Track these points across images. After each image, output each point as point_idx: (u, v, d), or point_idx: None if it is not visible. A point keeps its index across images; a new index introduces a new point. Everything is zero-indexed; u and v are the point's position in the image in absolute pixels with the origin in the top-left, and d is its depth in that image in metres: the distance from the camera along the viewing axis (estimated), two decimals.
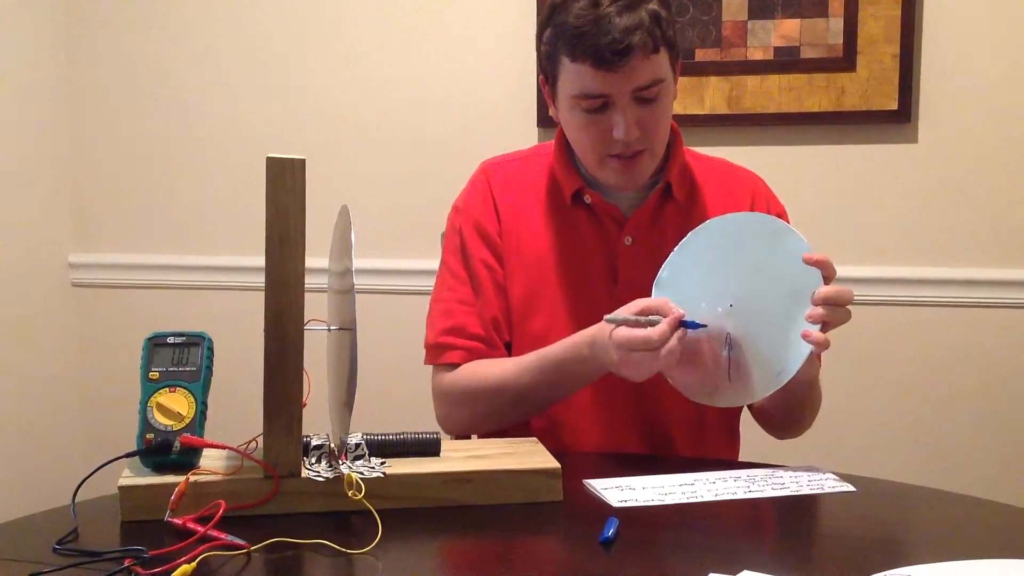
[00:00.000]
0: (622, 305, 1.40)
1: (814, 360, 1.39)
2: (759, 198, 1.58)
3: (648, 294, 1.42)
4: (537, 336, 1.51)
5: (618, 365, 1.35)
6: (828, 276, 1.33)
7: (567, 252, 1.54)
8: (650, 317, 1.33)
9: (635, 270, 1.50)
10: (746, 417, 1.61)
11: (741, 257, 1.39)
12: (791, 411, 1.52)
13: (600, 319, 1.41)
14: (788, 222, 1.57)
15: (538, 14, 2.24)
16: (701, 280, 1.39)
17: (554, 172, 1.57)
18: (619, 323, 1.34)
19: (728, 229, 1.41)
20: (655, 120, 1.46)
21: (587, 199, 1.54)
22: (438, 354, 1.55)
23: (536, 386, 1.46)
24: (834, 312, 1.31)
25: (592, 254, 1.54)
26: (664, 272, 1.43)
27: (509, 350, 1.56)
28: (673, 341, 1.31)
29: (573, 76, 1.44)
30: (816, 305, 1.31)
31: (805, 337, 1.30)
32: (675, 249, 1.44)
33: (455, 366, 1.53)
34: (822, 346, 1.31)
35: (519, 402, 1.48)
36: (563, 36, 1.43)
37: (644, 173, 1.50)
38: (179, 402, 1.20)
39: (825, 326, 1.31)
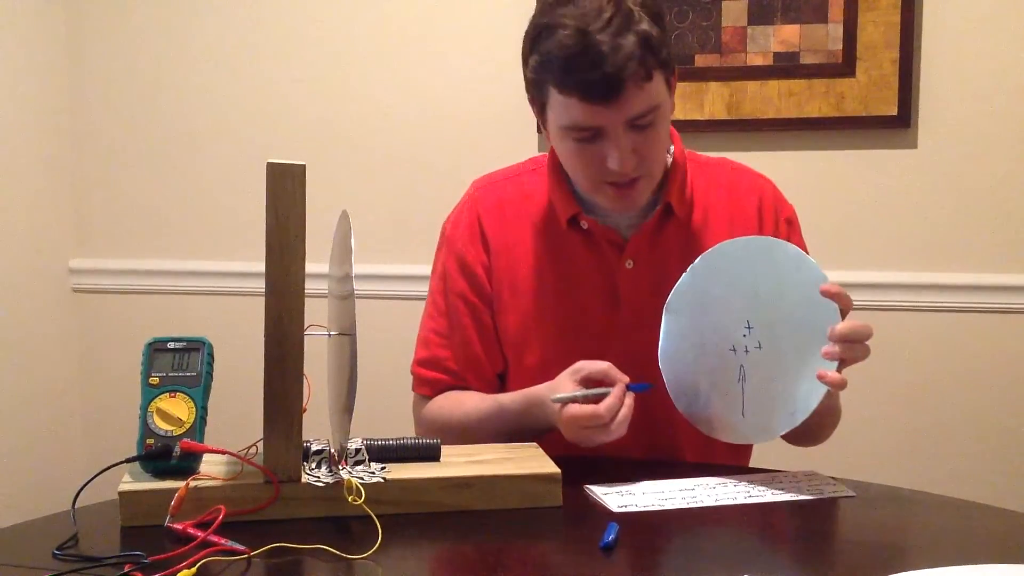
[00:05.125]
0: (625, 327, 1.38)
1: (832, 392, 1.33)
2: (766, 203, 1.52)
3: (652, 316, 1.38)
4: (533, 369, 1.47)
5: (570, 439, 1.33)
6: (845, 308, 1.28)
7: (563, 280, 1.48)
8: (597, 391, 1.31)
9: (637, 293, 1.46)
10: None
11: (754, 284, 1.33)
12: (809, 430, 1.46)
13: (601, 347, 1.39)
14: (798, 223, 1.54)
15: None
16: (713, 308, 1.34)
17: (548, 194, 1.50)
18: (567, 401, 1.31)
19: (740, 255, 1.35)
20: (651, 145, 1.38)
21: (584, 225, 1.47)
22: (415, 382, 1.58)
23: (496, 433, 1.44)
24: (851, 349, 1.27)
25: (590, 280, 1.48)
26: (672, 299, 1.37)
27: (503, 381, 1.54)
28: (623, 412, 1.29)
29: (562, 108, 1.36)
30: (833, 342, 1.27)
31: (821, 378, 1.26)
32: (685, 273, 1.37)
33: (428, 397, 1.55)
34: (838, 387, 1.27)
35: (487, 440, 1.44)
36: (550, 67, 1.34)
37: (642, 197, 1.44)
38: (179, 407, 1.21)
39: (842, 363, 1.27)
